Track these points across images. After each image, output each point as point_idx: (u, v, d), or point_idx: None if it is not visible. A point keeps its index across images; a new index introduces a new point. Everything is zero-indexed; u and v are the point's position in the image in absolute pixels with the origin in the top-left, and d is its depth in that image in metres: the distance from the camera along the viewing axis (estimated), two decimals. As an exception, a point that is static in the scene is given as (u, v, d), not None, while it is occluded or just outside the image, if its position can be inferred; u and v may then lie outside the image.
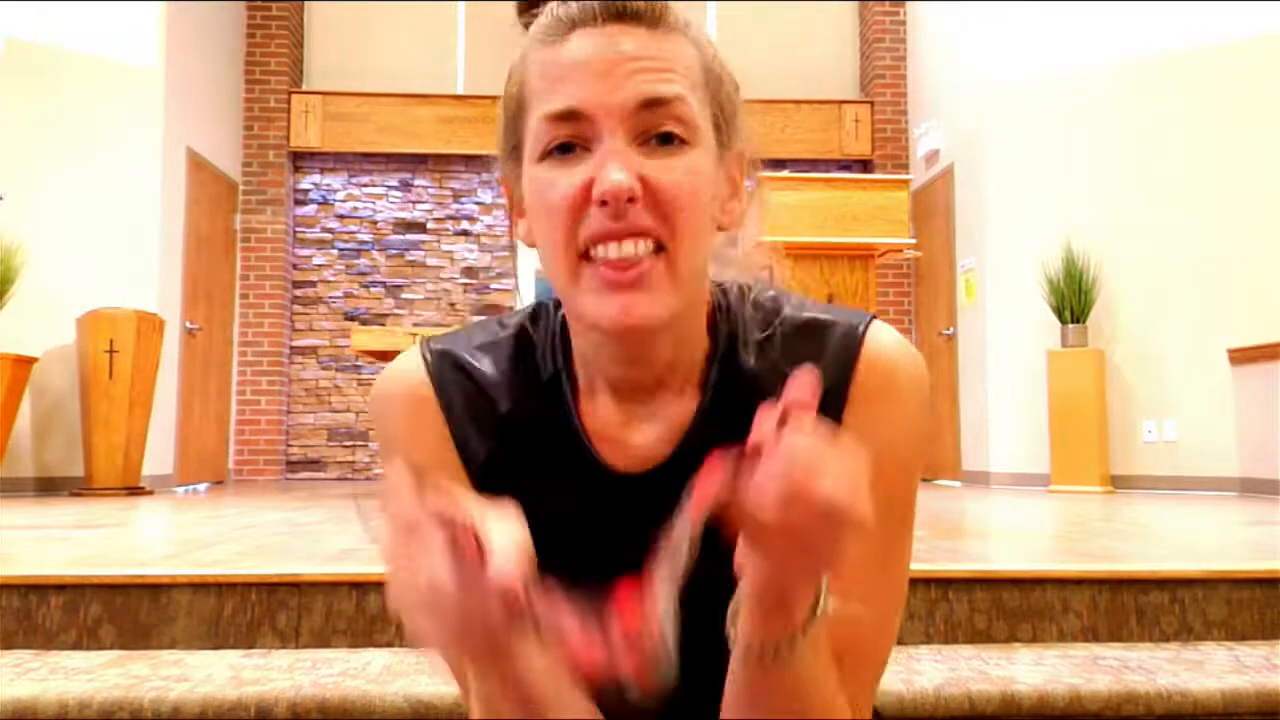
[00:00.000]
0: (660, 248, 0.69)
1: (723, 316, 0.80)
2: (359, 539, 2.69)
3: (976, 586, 1.94)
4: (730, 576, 0.78)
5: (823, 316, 0.79)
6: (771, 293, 0.82)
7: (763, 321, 0.79)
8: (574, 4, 0.71)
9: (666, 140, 0.70)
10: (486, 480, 0.80)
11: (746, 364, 0.78)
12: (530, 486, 0.79)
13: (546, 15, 0.73)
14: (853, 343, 0.77)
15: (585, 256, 0.70)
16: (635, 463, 0.79)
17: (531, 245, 0.76)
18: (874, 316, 0.79)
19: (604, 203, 0.67)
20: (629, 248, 0.68)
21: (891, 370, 0.76)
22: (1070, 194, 6.10)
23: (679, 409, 0.78)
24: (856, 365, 0.76)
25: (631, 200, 0.67)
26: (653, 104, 0.69)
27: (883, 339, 0.77)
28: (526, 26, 0.76)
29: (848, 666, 0.74)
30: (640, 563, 0.79)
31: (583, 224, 0.69)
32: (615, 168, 0.67)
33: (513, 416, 0.80)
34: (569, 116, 0.69)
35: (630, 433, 0.79)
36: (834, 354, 0.77)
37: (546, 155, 0.71)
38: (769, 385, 0.76)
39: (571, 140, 0.69)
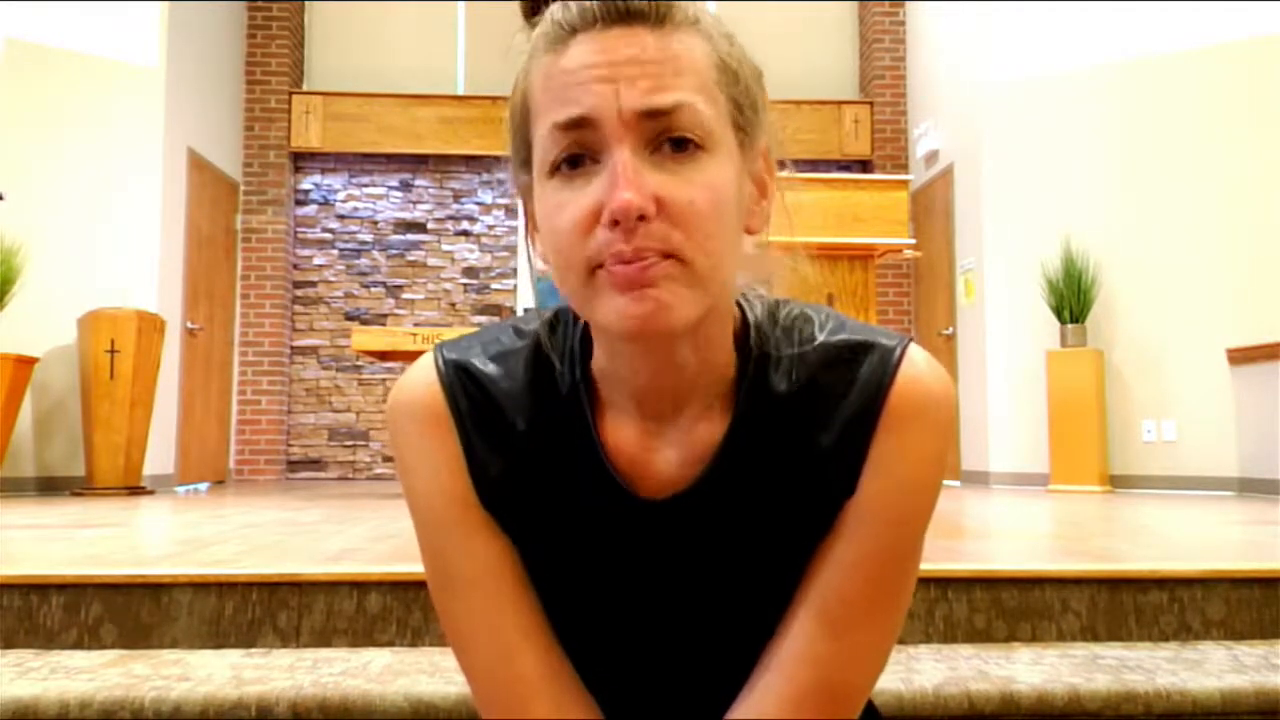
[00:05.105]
0: (674, 256, 0.66)
1: (753, 335, 0.76)
2: (360, 538, 2.69)
3: (976, 586, 1.94)
4: (742, 594, 0.78)
5: (856, 338, 0.76)
6: (804, 310, 0.78)
7: (795, 342, 0.76)
8: (574, 7, 0.68)
9: (680, 145, 0.66)
10: (498, 496, 0.77)
11: (778, 387, 0.75)
12: (544, 505, 0.77)
13: (547, 20, 0.69)
14: (887, 368, 0.74)
15: (595, 267, 0.66)
16: (657, 487, 0.76)
17: (548, 263, 0.72)
18: (910, 339, 0.76)
19: (615, 222, 0.64)
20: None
21: (923, 398, 0.74)
22: (1069, 194, 6.10)
23: (704, 432, 0.75)
24: (889, 392, 0.73)
25: (643, 218, 0.64)
26: (657, 114, 0.65)
27: (918, 365, 0.75)
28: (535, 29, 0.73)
29: (829, 695, 0.73)
30: (656, 591, 0.78)
31: (591, 240, 0.66)
32: (624, 189, 0.64)
33: (529, 432, 0.77)
34: (575, 125, 0.66)
35: (653, 455, 0.76)
36: (866, 378, 0.74)
37: (555, 170, 0.68)
38: (799, 410, 0.75)
39: (579, 151, 0.66)
